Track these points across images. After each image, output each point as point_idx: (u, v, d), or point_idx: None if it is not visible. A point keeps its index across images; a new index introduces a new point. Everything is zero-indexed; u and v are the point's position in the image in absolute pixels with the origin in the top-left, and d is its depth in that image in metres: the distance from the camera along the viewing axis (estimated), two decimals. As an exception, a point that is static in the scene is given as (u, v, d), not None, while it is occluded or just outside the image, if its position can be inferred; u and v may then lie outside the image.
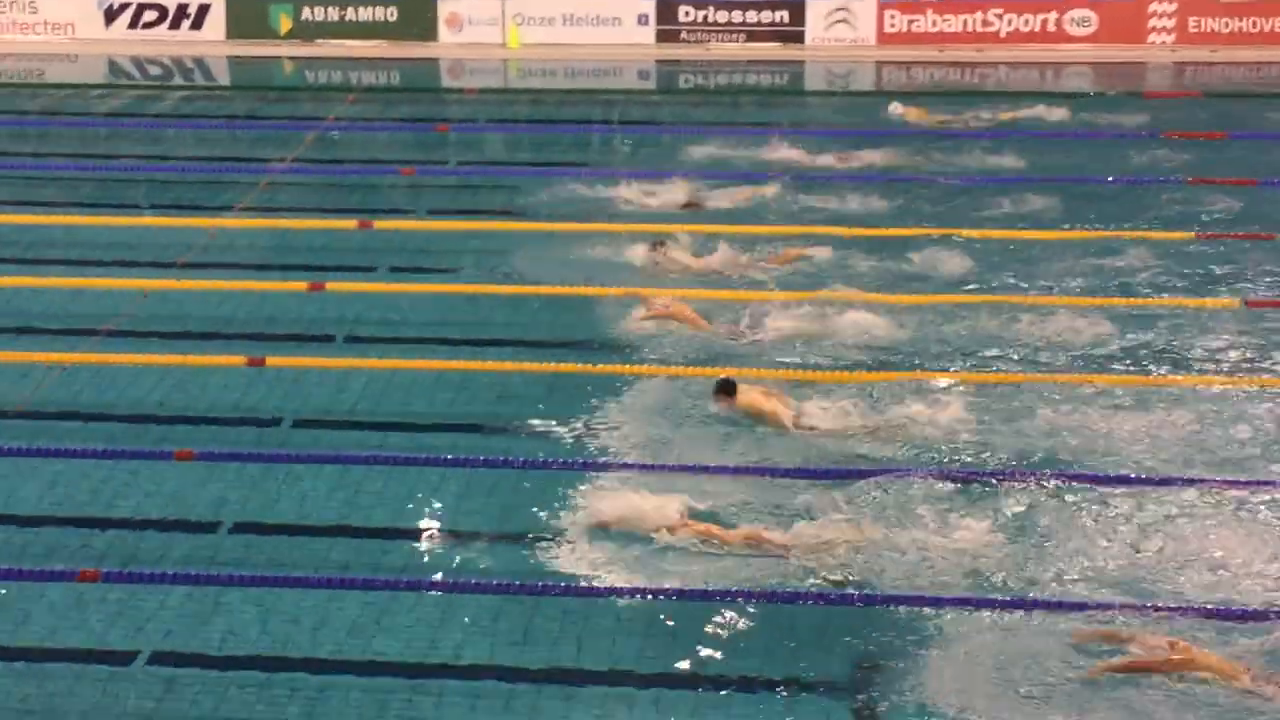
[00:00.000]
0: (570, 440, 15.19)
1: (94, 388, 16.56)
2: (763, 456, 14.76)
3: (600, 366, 16.74)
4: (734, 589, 12.49)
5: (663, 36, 34.39)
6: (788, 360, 16.91)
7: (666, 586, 12.51)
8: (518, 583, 12.58)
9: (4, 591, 12.63)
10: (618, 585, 12.61)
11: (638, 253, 19.54)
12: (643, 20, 34.45)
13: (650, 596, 12.46)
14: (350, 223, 21.71)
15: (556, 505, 13.76)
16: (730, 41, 34.26)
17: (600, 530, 13.24)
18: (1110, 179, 23.59)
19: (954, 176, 23.58)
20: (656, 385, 16.24)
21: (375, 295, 19.10)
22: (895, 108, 27.46)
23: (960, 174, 23.77)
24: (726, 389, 15.25)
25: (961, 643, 11.84)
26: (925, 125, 26.74)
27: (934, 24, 33.96)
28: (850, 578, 12.70)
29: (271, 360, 16.99)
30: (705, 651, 11.88)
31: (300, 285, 19.28)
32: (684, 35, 34.39)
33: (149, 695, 11.39)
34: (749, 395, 15.24)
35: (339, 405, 16.20)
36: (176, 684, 11.48)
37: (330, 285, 19.26)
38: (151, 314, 18.46)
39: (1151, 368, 16.81)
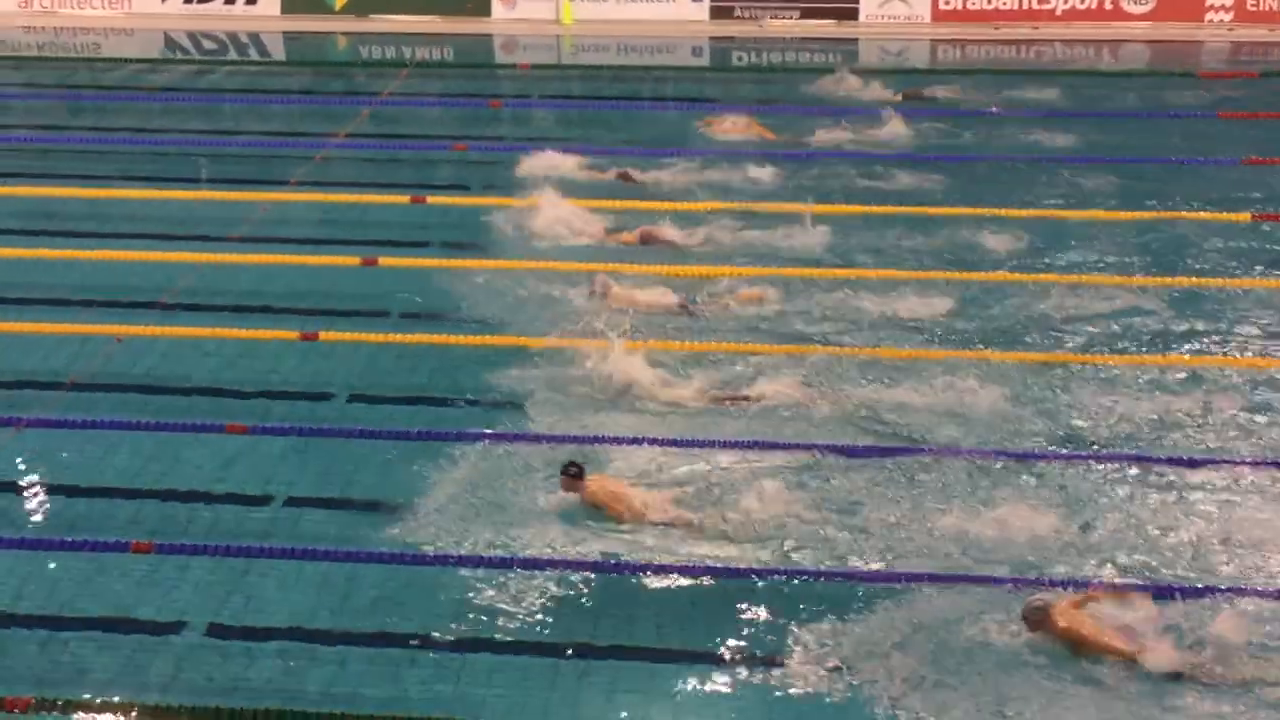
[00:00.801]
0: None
1: (148, 360, 16.69)
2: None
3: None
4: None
5: (716, 13, 34.31)
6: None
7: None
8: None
9: (54, 565, 12.79)
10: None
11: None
12: (697, -4, 34.40)
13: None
14: (403, 198, 21.78)
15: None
16: (784, 18, 34.16)
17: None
18: (1169, 159, 23.45)
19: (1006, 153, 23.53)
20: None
21: (427, 270, 19.16)
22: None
23: (1012, 151, 23.70)
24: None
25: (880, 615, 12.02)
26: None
27: (989, 1, 33.78)
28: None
29: (325, 335, 17.11)
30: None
31: (353, 260, 19.37)
32: (738, 12, 34.30)
33: (203, 664, 11.58)
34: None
35: (392, 380, 16.29)
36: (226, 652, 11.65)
37: (383, 260, 19.35)
38: (207, 287, 18.55)
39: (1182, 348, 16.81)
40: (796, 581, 12.53)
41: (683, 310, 17.74)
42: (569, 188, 21.23)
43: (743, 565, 12.74)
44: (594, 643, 11.91)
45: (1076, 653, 11.40)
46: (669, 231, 19.89)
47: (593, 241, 19.90)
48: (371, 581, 12.59)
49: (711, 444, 14.57)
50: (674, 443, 14.59)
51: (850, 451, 14.44)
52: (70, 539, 13.08)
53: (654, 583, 12.63)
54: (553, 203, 20.39)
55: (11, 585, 12.60)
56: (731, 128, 24.72)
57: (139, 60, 31.67)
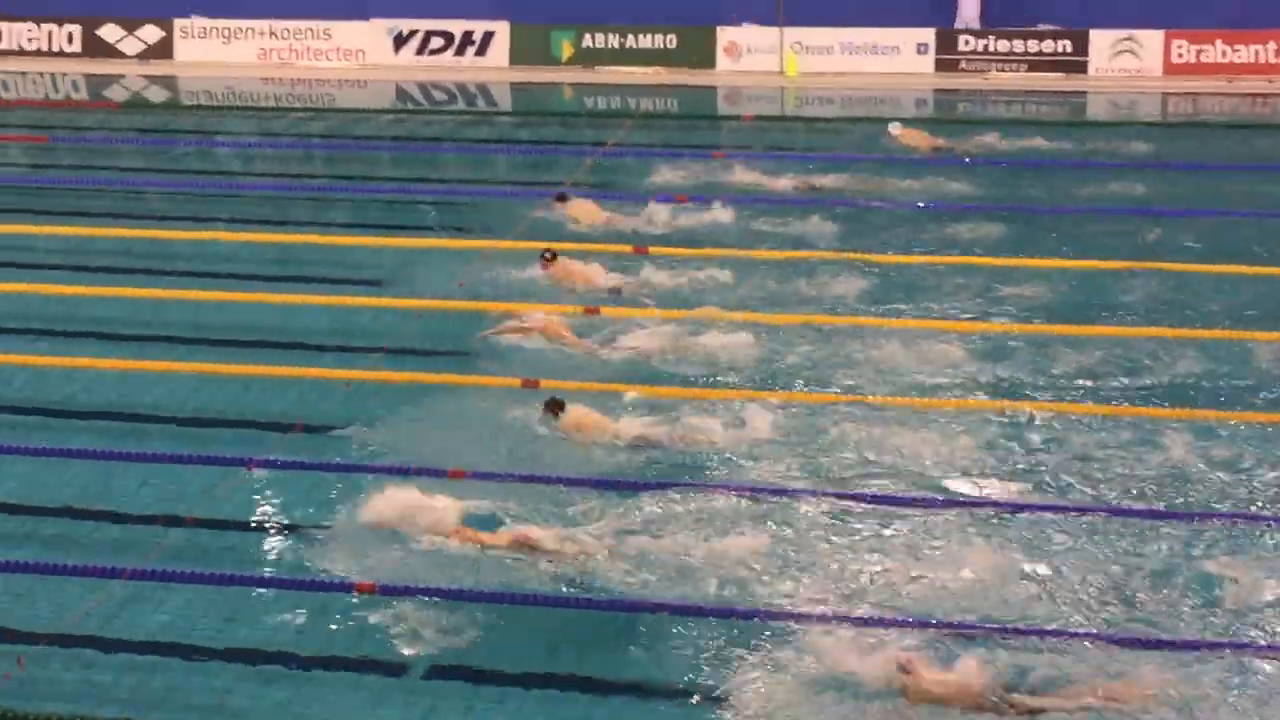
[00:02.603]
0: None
1: (372, 404, 16.94)
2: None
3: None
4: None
5: (942, 65, 34.14)
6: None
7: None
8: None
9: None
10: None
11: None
12: (922, 49, 34.26)
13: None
14: (626, 248, 21.88)
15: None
16: (1010, 71, 33.82)
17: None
18: None
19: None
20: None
21: (648, 321, 19.21)
22: (895, 128, 27.27)
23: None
24: (554, 407, 15.45)
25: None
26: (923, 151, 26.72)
27: (1223, 54, 33.09)
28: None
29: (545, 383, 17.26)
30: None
31: (576, 309, 19.49)
32: (963, 65, 34.07)
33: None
34: (576, 413, 15.43)
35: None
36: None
37: (604, 311, 19.45)
38: (431, 333, 18.81)
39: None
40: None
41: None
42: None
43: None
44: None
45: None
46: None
47: None
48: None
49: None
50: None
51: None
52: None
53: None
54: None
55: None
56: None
57: (371, 110, 32.47)
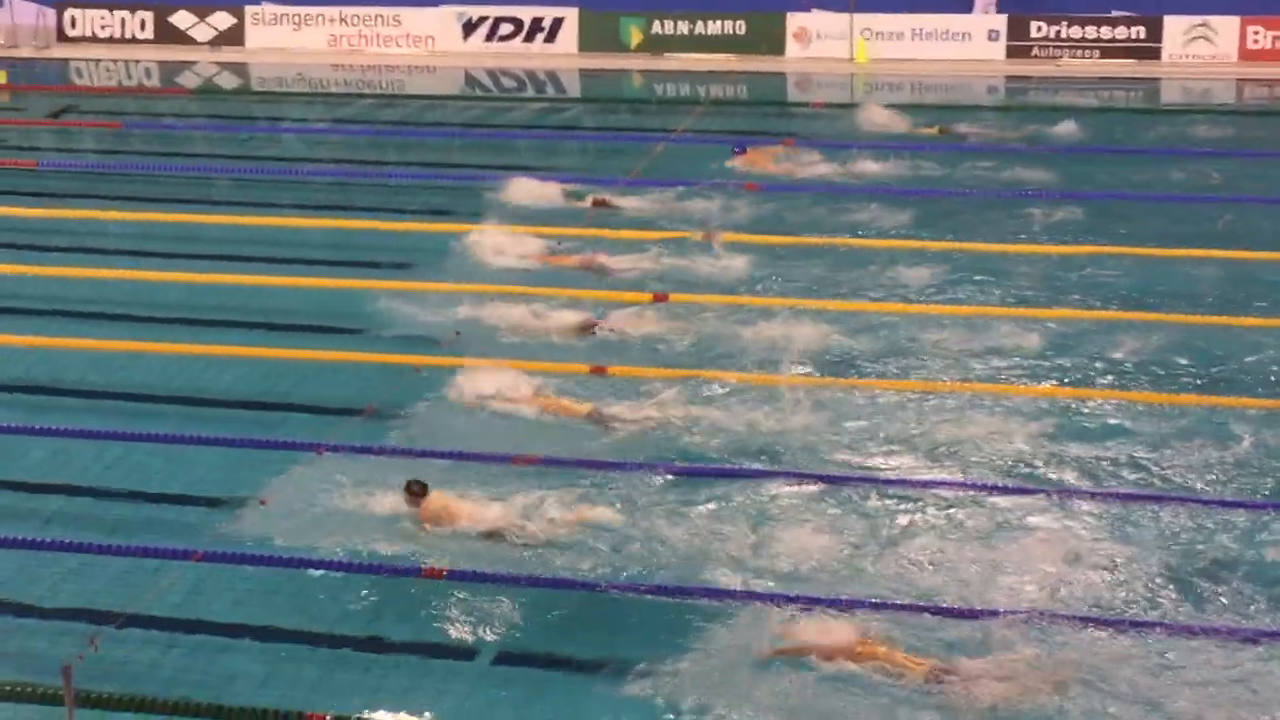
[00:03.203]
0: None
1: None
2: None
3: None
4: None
5: (1013, 52, 33.89)
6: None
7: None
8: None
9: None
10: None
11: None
12: (993, 36, 34.03)
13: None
14: (695, 234, 21.84)
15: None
16: (1083, 58, 33.55)
17: None
18: None
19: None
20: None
21: (718, 306, 19.20)
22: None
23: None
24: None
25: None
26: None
27: (1301, 39, 32.75)
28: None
29: (613, 369, 17.27)
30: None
31: (645, 297, 19.49)
32: (1035, 51, 33.82)
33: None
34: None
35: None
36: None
37: (673, 297, 19.43)
38: (498, 321, 18.87)
39: None
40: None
41: (587, 329, 18.37)
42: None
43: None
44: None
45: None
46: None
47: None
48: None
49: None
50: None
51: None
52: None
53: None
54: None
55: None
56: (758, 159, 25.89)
57: (439, 97, 32.56)
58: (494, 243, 21.28)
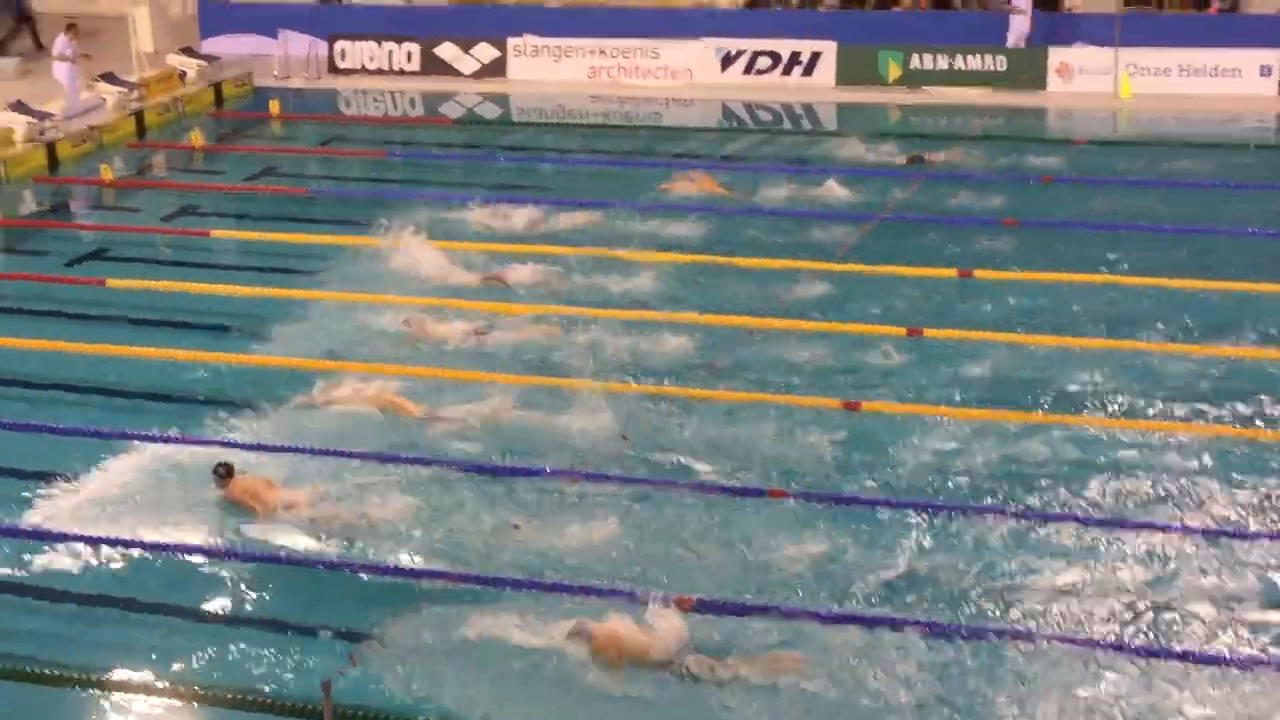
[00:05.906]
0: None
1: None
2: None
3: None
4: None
5: (1286, 89, 32.95)
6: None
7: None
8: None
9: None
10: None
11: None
12: (1265, 71, 33.10)
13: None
14: (950, 271, 21.60)
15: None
16: (1361, 95, 32.47)
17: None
18: None
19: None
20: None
21: (974, 344, 18.97)
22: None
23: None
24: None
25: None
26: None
27: None
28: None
29: (868, 405, 17.16)
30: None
31: (899, 330, 19.33)
32: (1309, 87, 32.84)
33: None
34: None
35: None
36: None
37: (927, 332, 19.24)
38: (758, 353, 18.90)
39: None
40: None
41: (475, 335, 19.36)
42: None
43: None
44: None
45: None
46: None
47: None
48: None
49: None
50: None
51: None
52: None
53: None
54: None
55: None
56: (688, 185, 26.50)
57: (699, 129, 32.74)
58: None
